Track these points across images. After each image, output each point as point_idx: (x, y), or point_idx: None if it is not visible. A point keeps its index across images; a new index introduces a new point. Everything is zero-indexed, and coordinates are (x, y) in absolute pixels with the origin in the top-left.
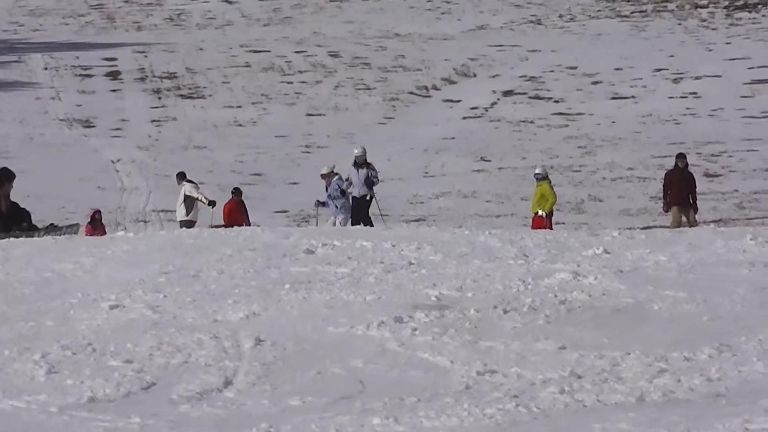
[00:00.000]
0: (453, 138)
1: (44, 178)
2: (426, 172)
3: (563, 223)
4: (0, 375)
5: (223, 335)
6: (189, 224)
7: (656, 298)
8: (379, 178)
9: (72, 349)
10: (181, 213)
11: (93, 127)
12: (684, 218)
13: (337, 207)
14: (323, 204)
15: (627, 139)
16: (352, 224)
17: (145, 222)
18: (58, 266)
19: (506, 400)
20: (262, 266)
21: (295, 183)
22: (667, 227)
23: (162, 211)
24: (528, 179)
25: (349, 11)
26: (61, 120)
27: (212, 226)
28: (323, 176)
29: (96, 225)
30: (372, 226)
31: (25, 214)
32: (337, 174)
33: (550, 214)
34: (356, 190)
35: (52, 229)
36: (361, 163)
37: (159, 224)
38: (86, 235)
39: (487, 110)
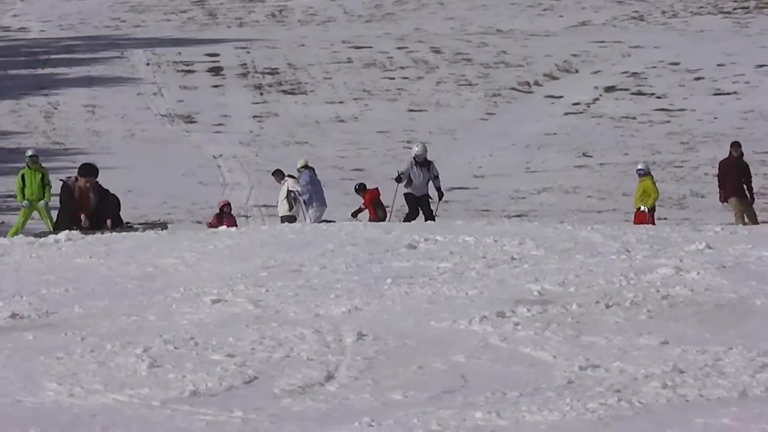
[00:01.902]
0: (555, 134)
1: (146, 174)
2: (528, 168)
3: (665, 219)
4: (102, 369)
5: (326, 329)
6: (291, 219)
7: (759, 293)
8: (440, 178)
9: (174, 344)
10: (283, 208)
11: (195, 122)
12: (745, 216)
13: (304, 202)
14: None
15: (729, 135)
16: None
17: (247, 217)
18: (160, 261)
19: (608, 394)
20: (364, 261)
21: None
22: (766, 223)
23: (264, 206)
24: (630, 175)
25: (450, 7)
26: (162, 116)
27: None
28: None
29: (222, 217)
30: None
31: (112, 201)
32: (307, 168)
33: (652, 210)
34: (417, 190)
35: (127, 228)
36: (422, 161)
37: (261, 219)
38: (211, 227)
39: (589, 106)
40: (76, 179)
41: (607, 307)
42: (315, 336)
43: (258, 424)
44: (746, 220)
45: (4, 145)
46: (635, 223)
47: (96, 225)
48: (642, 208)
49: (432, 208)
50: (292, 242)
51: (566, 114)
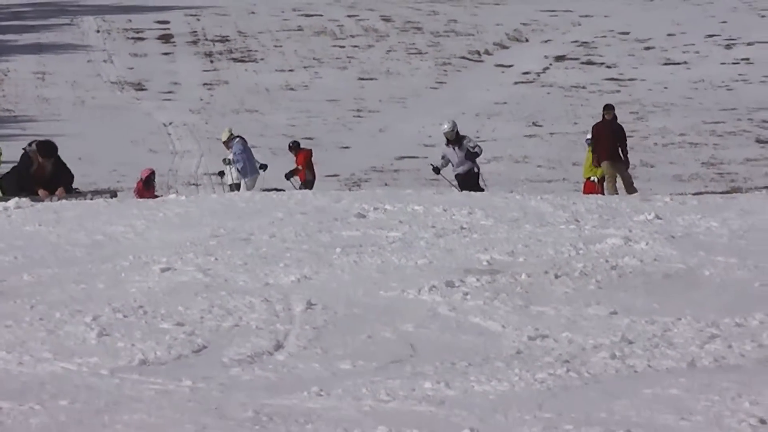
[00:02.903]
0: (505, 103)
1: (96, 141)
2: (477, 137)
3: None
4: (51, 337)
5: (275, 299)
6: (239, 187)
7: (708, 263)
8: (480, 147)
9: (123, 312)
10: (232, 176)
11: (145, 90)
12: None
13: (239, 170)
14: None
15: (679, 105)
16: None
17: (197, 185)
18: (109, 229)
19: (557, 365)
20: (313, 230)
21: (346, 147)
22: (719, 193)
23: (213, 174)
24: (580, 144)
25: None
26: (113, 83)
27: (264, 190)
28: (225, 143)
29: (150, 186)
30: None
31: (67, 175)
32: (237, 137)
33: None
34: (460, 168)
35: (76, 195)
36: (452, 139)
37: (210, 187)
38: (137, 195)
39: (539, 75)
40: (32, 145)
41: (556, 277)
42: (264, 305)
43: (207, 393)
44: (616, 188)
45: None
46: (585, 192)
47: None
48: (592, 177)
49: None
50: (242, 210)
51: (516, 83)
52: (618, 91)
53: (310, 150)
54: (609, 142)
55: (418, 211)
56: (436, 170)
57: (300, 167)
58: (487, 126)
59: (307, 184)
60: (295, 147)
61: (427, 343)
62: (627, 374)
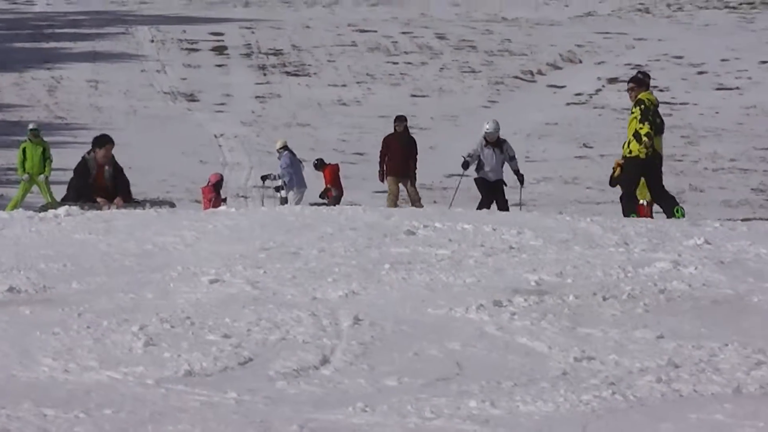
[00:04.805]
0: (556, 124)
1: (147, 151)
2: (528, 157)
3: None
4: (98, 346)
5: (322, 313)
6: (287, 201)
7: (757, 290)
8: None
9: (171, 322)
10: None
11: (197, 101)
12: (405, 190)
13: (285, 184)
14: (268, 178)
15: (730, 131)
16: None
17: (246, 198)
18: (159, 239)
19: (603, 387)
20: (362, 246)
21: None
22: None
23: (263, 187)
24: None
25: None
26: (165, 93)
27: (313, 204)
28: (278, 150)
29: (219, 191)
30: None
31: (125, 180)
32: (286, 150)
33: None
34: (493, 174)
35: (134, 204)
36: (493, 141)
37: (260, 200)
38: (206, 200)
39: (591, 97)
40: (92, 153)
41: (604, 299)
42: (311, 319)
43: (252, 406)
44: (396, 205)
45: (6, 117)
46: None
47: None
48: (641, 201)
49: (507, 197)
50: (291, 224)
51: (568, 104)
52: (670, 115)
53: (337, 165)
54: (399, 155)
55: (468, 229)
56: (466, 165)
57: (328, 186)
58: (538, 146)
59: (334, 200)
60: (320, 164)
61: (474, 362)
62: (672, 398)
